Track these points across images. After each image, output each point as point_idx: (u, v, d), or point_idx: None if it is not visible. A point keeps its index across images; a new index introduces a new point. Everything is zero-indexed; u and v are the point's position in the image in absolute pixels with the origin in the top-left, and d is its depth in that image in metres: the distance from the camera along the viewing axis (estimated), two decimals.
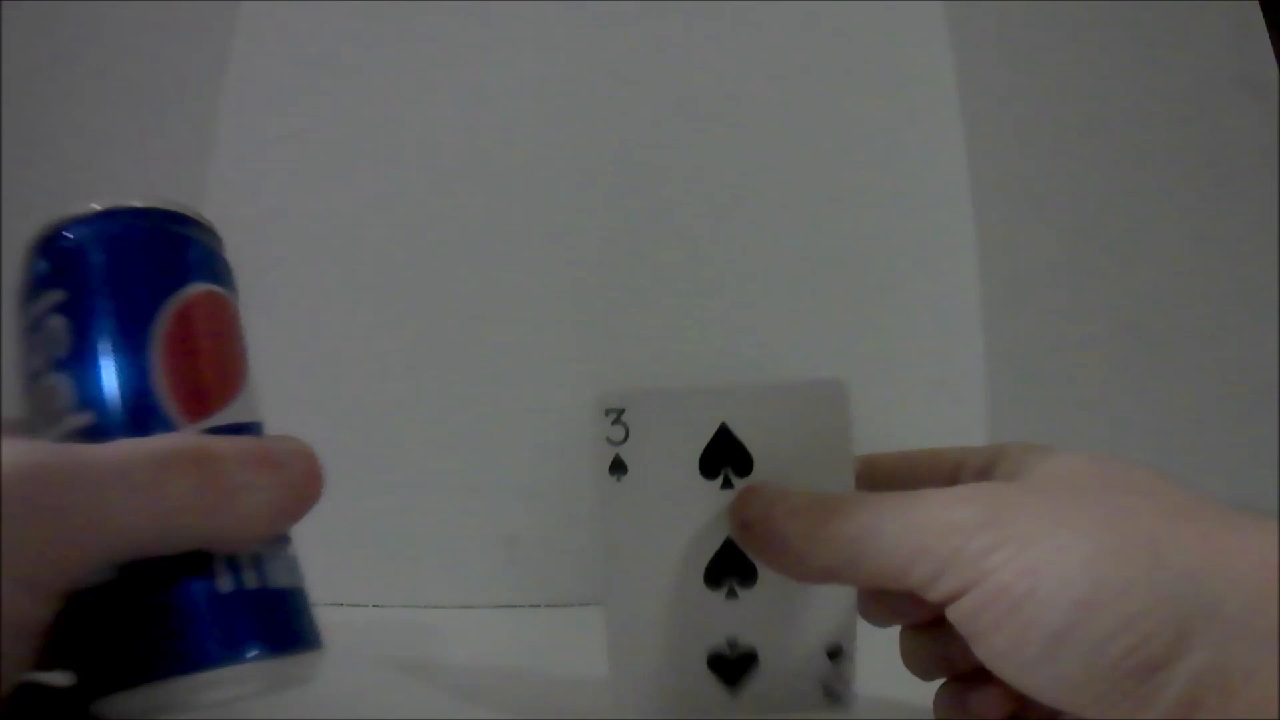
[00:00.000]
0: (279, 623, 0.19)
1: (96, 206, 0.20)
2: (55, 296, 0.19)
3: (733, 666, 0.23)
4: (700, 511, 0.23)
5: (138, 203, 0.20)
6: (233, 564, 0.18)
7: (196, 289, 0.20)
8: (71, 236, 0.20)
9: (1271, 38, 0.45)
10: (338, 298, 0.51)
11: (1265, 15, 0.45)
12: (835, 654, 0.24)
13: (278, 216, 0.51)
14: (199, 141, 0.52)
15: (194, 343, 0.20)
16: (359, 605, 0.51)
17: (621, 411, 0.23)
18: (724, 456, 0.23)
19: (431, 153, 0.52)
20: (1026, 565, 0.17)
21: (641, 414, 0.23)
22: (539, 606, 0.50)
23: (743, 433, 0.23)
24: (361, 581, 0.51)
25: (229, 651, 0.18)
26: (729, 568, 0.23)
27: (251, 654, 0.18)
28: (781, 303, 0.52)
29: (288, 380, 0.53)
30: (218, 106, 0.51)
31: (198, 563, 0.17)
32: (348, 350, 0.51)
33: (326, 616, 0.50)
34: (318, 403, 0.52)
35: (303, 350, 0.52)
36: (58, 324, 0.19)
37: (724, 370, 0.50)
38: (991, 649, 0.18)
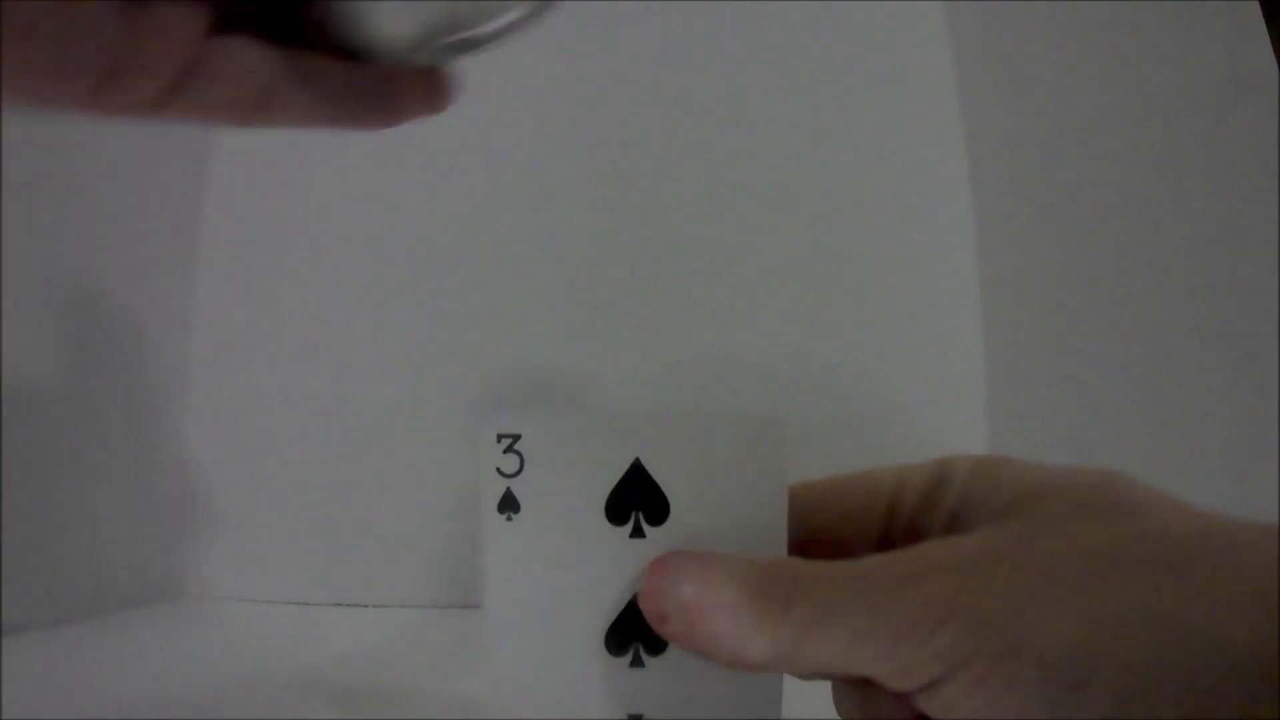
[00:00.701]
0: None
1: None
2: None
3: None
4: (604, 563, 0.19)
5: None
6: None
7: None
8: None
9: (1271, 38, 0.45)
10: (337, 297, 0.51)
11: (1265, 15, 0.45)
12: None
13: (278, 216, 0.51)
14: (199, 141, 0.52)
15: None
16: (359, 605, 0.51)
17: (516, 438, 0.19)
18: (635, 499, 0.19)
19: (431, 152, 0.52)
20: (1003, 650, 0.15)
21: (540, 443, 0.19)
22: None
23: (659, 472, 0.19)
24: (362, 581, 0.52)
25: None
26: (635, 631, 0.19)
27: None
28: (781, 302, 0.52)
29: (288, 380, 0.53)
30: None
31: None
32: (348, 350, 0.51)
33: (327, 617, 0.50)
34: (318, 403, 0.52)
35: (303, 350, 0.52)
36: None
37: (722, 368, 0.50)
38: None
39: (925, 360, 0.54)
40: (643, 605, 0.18)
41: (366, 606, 0.51)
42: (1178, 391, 0.47)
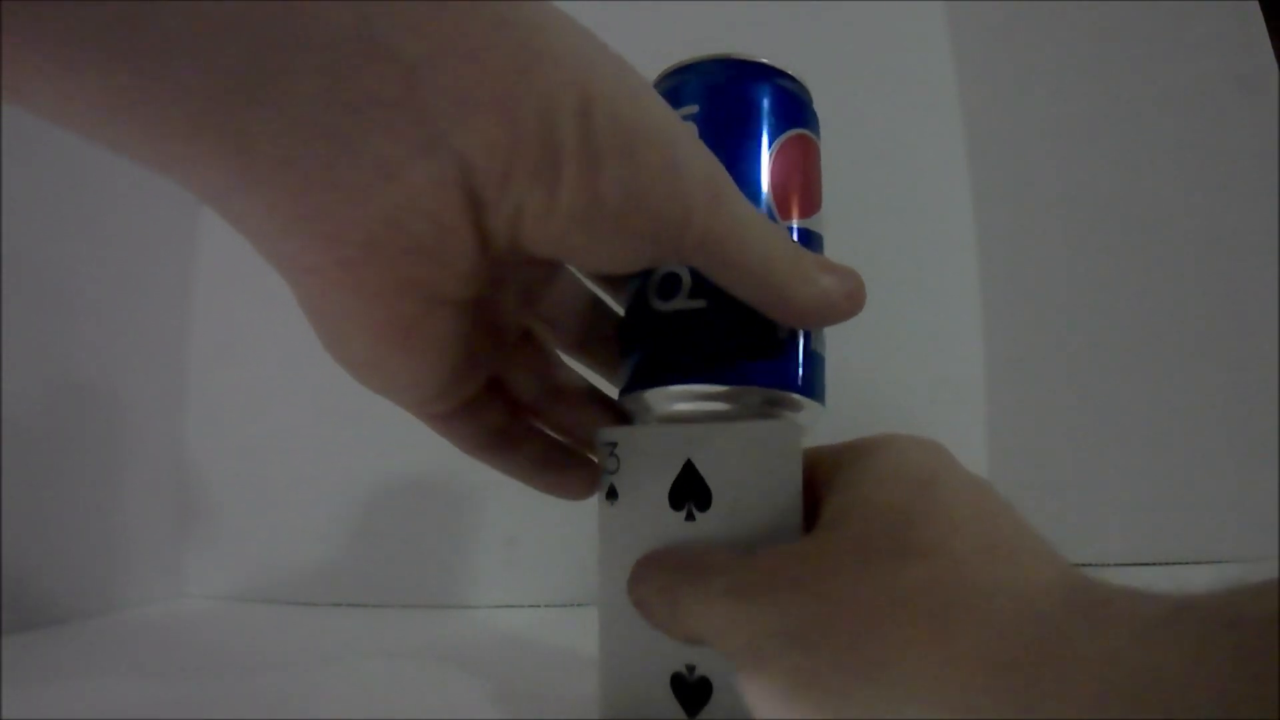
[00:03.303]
0: (808, 374, 0.24)
1: (739, 55, 0.25)
2: (691, 109, 0.24)
3: (690, 692, 0.24)
4: (666, 540, 0.24)
5: (767, 60, 0.25)
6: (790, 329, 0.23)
7: (799, 130, 0.25)
8: (717, 70, 0.25)
9: (1271, 38, 0.45)
10: None
11: (1265, 15, 0.45)
12: None
13: None
14: None
15: (793, 169, 0.25)
16: (359, 605, 0.51)
17: (614, 444, 0.24)
18: (688, 491, 0.24)
19: None
20: (767, 660, 0.18)
21: (629, 447, 0.24)
22: (539, 606, 0.50)
23: (705, 469, 0.24)
24: (362, 581, 0.52)
25: (775, 379, 0.23)
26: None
27: (793, 387, 0.23)
28: None
29: (288, 381, 0.53)
30: None
31: (766, 319, 0.22)
32: None
33: (327, 617, 0.50)
34: (318, 403, 0.52)
35: (303, 350, 0.52)
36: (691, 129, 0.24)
37: None
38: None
39: (925, 360, 0.54)
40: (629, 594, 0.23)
41: (366, 606, 0.51)
42: (1177, 391, 0.47)
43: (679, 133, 0.19)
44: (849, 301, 0.22)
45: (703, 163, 0.20)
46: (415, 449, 0.53)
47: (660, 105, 0.19)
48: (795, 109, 0.25)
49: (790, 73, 0.25)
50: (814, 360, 0.25)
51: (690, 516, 0.24)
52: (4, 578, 0.39)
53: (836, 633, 0.17)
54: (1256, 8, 0.45)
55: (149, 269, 0.51)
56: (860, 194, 0.55)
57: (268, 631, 0.45)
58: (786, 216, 0.24)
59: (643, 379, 0.24)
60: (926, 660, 0.15)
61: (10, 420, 0.40)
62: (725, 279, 0.21)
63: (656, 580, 0.23)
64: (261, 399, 0.52)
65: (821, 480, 0.23)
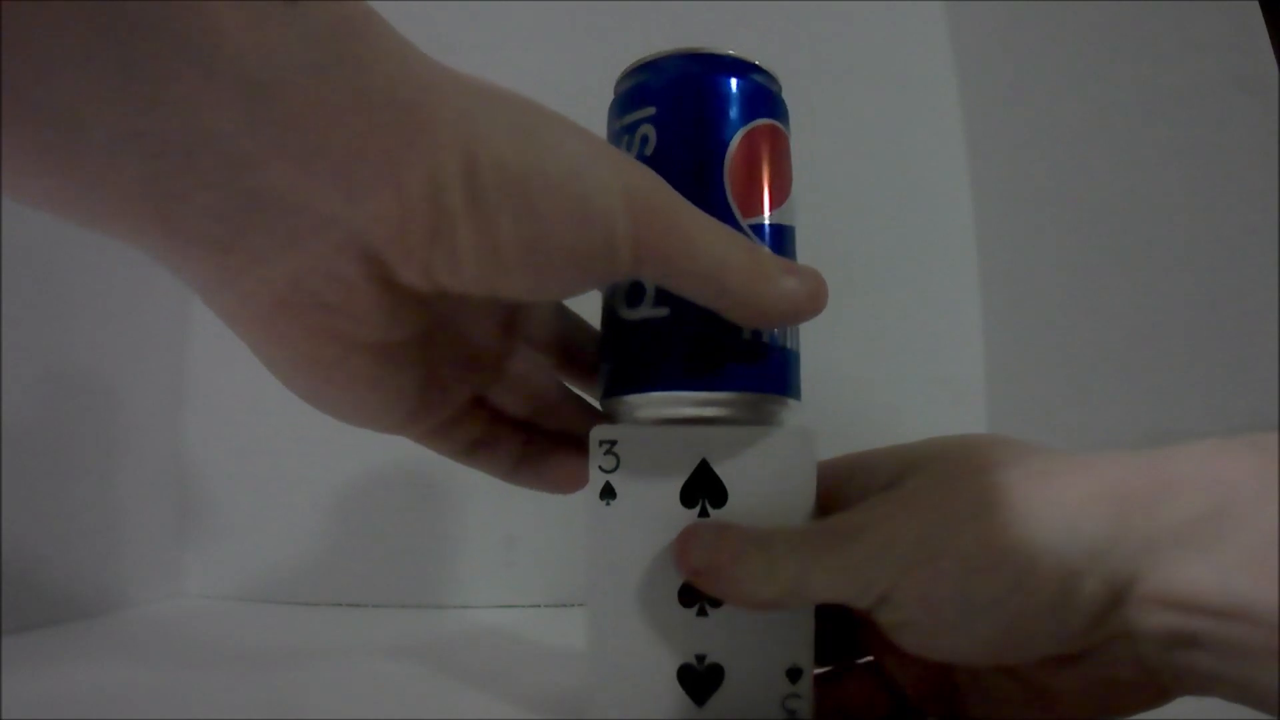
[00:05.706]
0: (780, 372, 0.24)
1: (690, 49, 0.25)
2: (648, 111, 0.24)
3: (700, 681, 0.25)
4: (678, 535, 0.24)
5: (731, 52, 0.25)
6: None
7: (762, 121, 0.25)
8: (672, 66, 0.25)
9: (1271, 38, 0.45)
10: None
11: (1265, 15, 0.45)
12: (794, 674, 0.25)
13: None
14: None
15: (757, 161, 0.24)
16: (359, 605, 0.51)
17: (614, 443, 0.24)
18: (702, 489, 0.24)
19: None
20: (928, 558, 0.21)
21: (631, 446, 0.24)
22: (539, 606, 0.50)
23: (720, 469, 0.24)
24: (362, 581, 0.52)
25: (744, 384, 0.23)
26: (700, 590, 0.24)
27: (763, 388, 0.24)
28: None
29: None
30: None
31: (728, 323, 0.22)
32: None
33: (327, 617, 0.50)
34: None
35: None
36: (647, 132, 0.24)
37: None
38: (911, 638, 0.22)
39: (925, 360, 0.54)
40: (678, 563, 0.24)
41: (366, 606, 0.51)
42: (1177, 391, 0.47)
43: (586, 163, 0.20)
44: (811, 302, 0.22)
45: (623, 184, 0.20)
46: (414, 449, 0.53)
47: (563, 143, 0.20)
48: (756, 99, 0.25)
49: (748, 61, 0.25)
50: (784, 358, 0.24)
51: (704, 513, 0.24)
52: (4, 578, 0.39)
53: (965, 514, 0.21)
54: (1256, 8, 0.45)
55: (149, 268, 0.51)
56: (861, 194, 0.55)
57: (267, 631, 0.45)
58: (754, 212, 0.24)
59: (616, 386, 0.24)
60: (1064, 494, 0.20)
61: (11, 420, 0.40)
62: (680, 288, 0.21)
63: (726, 549, 0.23)
64: (261, 399, 0.52)
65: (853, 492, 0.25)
